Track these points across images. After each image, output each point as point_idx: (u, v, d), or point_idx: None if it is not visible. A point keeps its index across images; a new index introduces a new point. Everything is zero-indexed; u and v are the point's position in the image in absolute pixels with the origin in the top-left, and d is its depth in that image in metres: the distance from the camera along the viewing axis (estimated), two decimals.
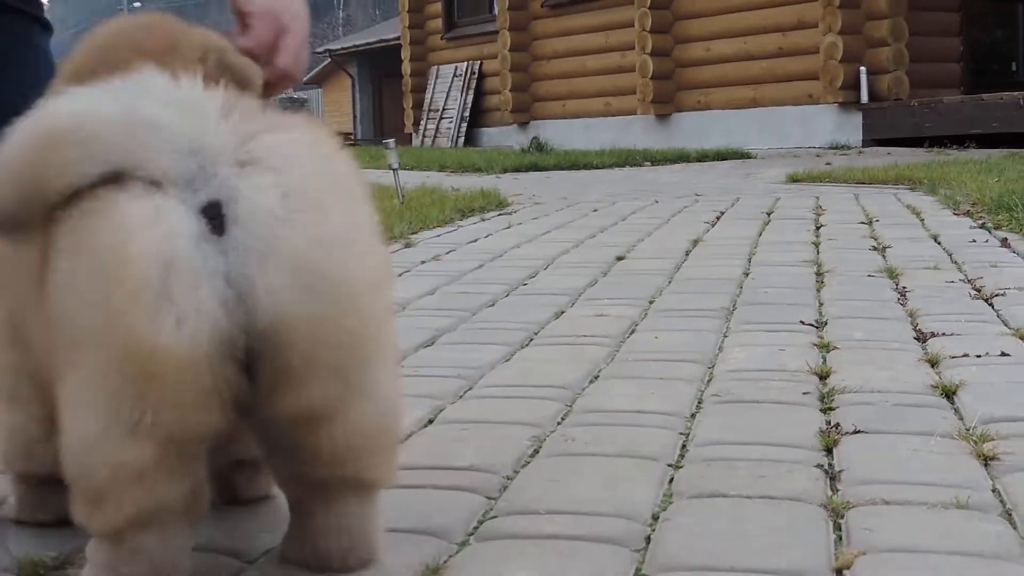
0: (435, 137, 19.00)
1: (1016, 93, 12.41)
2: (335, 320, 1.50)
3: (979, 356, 2.96)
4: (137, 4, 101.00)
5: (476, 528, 1.92)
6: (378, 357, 1.63)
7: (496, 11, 17.80)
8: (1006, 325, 3.46)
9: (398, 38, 21.37)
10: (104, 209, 1.45)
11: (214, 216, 1.44)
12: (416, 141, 19.55)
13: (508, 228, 6.68)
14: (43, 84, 1.94)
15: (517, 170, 12.51)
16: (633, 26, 15.21)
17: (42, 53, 2.40)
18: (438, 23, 19.59)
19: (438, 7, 19.51)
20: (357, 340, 1.56)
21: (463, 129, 18.54)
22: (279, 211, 1.46)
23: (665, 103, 14.99)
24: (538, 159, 13.47)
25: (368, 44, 34.08)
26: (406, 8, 20.01)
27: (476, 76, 18.66)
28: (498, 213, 7.62)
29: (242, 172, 1.48)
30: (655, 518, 1.94)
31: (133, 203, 1.44)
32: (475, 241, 6.08)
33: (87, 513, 1.55)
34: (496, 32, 17.74)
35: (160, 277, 1.40)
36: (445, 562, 1.76)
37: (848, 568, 1.70)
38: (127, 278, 1.40)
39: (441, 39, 19.60)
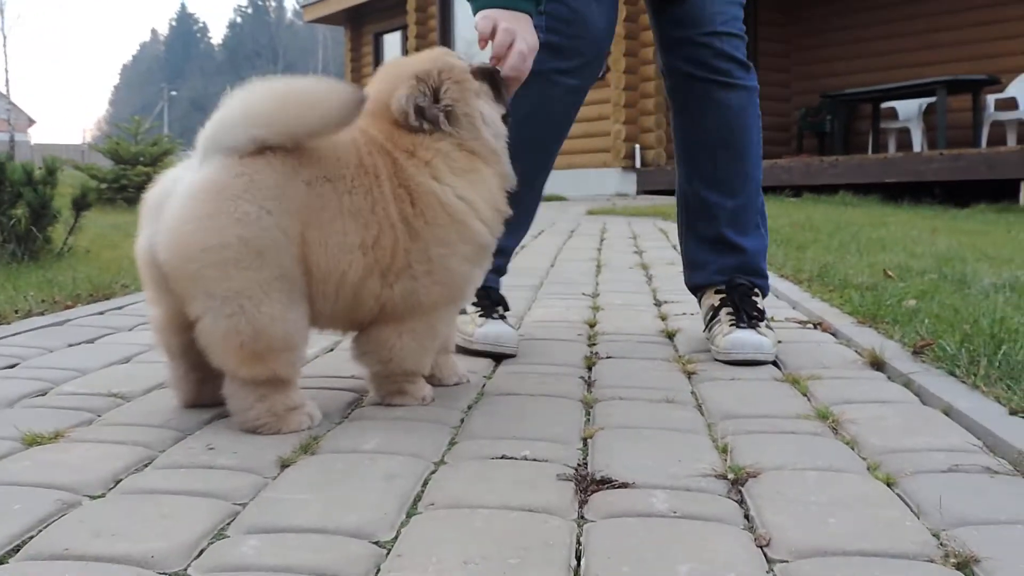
0: None
1: None
2: None
3: (690, 315, 2.94)
4: (174, 93, 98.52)
5: (349, 413, 1.83)
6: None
7: None
8: None
9: None
10: None
11: None
12: None
13: None
14: None
15: None
16: None
17: None
18: None
19: None
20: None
21: None
22: None
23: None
24: None
25: None
26: None
27: None
28: None
29: None
30: (469, 408, 1.87)
31: None
32: None
33: None
34: None
35: None
36: (321, 437, 1.66)
37: (591, 437, 1.65)
38: None
39: None
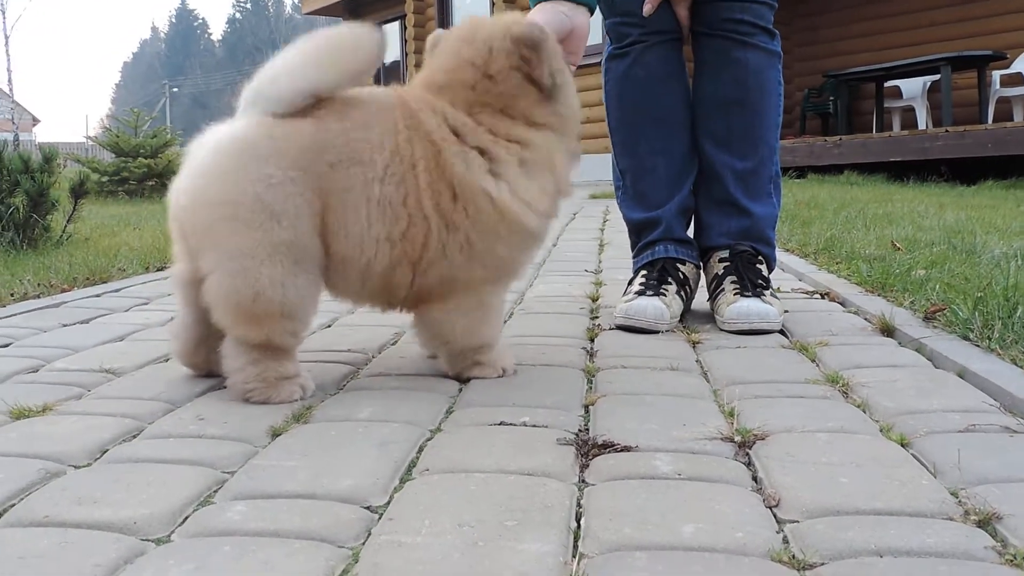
0: None
1: None
2: None
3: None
4: (175, 89, 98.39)
5: (345, 384, 1.78)
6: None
7: None
8: None
9: None
10: None
11: None
12: None
13: None
14: None
15: None
16: None
17: None
18: None
19: None
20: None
21: None
22: None
23: None
24: None
25: None
26: None
27: None
28: None
29: None
30: (467, 379, 1.82)
31: None
32: None
33: None
34: None
35: None
36: (314, 407, 1.61)
37: (592, 404, 1.60)
38: None
39: None
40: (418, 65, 16.61)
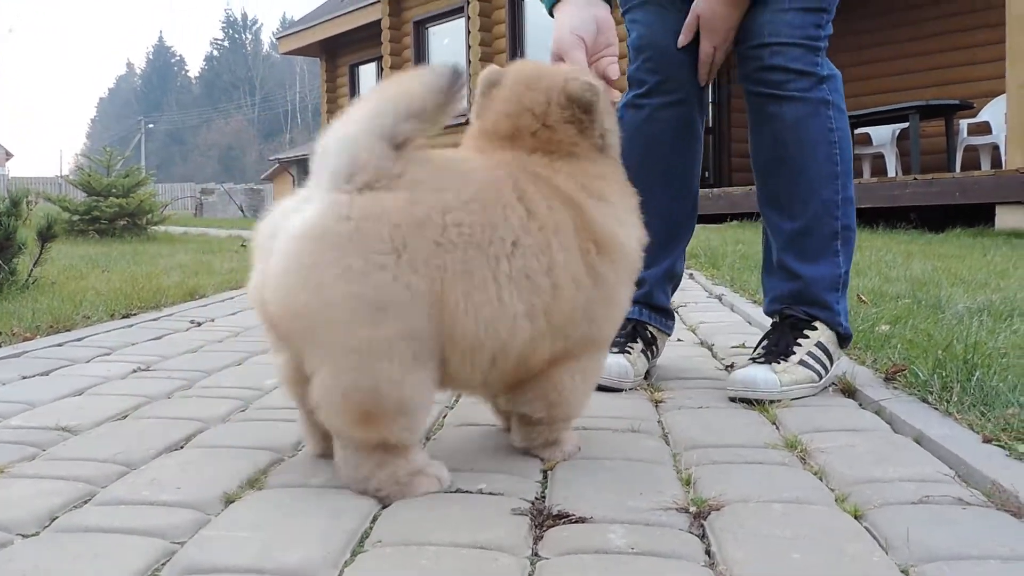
0: None
1: None
2: None
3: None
4: (151, 125, 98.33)
5: (303, 446, 1.76)
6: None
7: None
8: None
9: None
10: None
11: None
12: None
13: None
14: None
15: None
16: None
17: None
18: None
19: None
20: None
21: None
22: None
23: None
24: None
25: (303, 155, 33.72)
26: None
27: None
28: None
29: None
30: (428, 439, 1.82)
31: None
32: None
33: None
34: None
35: None
36: (269, 471, 1.60)
37: (551, 470, 1.60)
38: None
39: None
40: None
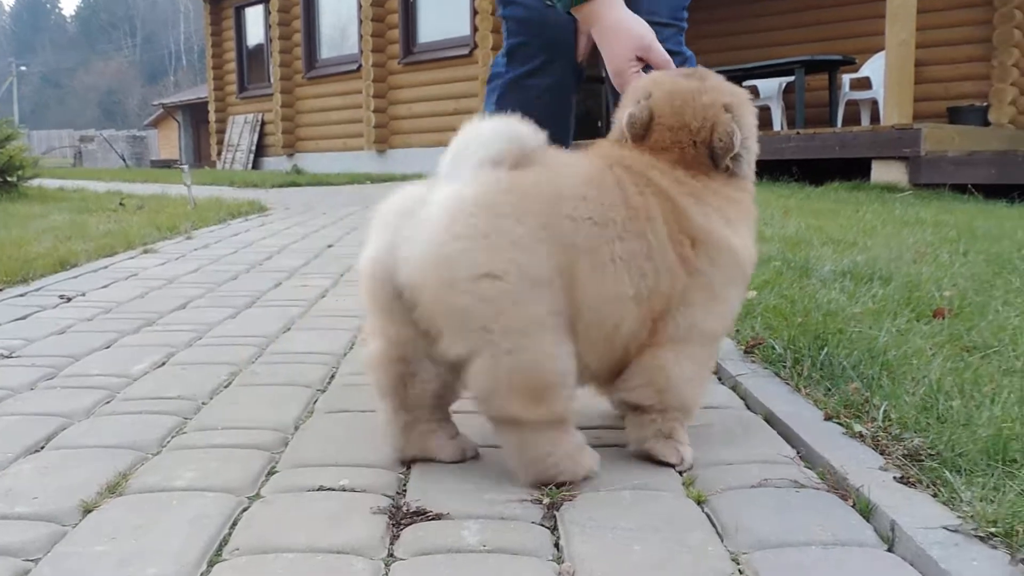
0: (232, 163, 18.17)
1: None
2: None
3: None
4: (23, 68, 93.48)
5: (168, 442, 1.78)
6: None
7: (272, 80, 17.16)
8: None
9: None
10: None
11: None
12: (220, 166, 18.67)
13: (262, 226, 6.40)
14: None
15: (282, 186, 11.94)
16: (361, 93, 14.95)
17: None
18: (234, 87, 18.79)
19: (234, 76, 18.72)
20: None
21: (251, 158, 17.85)
22: None
23: (383, 143, 14.79)
24: (296, 179, 13.00)
25: (189, 100, 32.65)
26: (211, 76, 19.13)
27: (260, 123, 18.00)
28: (258, 216, 7.28)
29: None
30: (296, 428, 1.84)
31: None
32: (236, 235, 5.78)
33: None
34: (272, 94, 17.15)
35: None
36: (130, 474, 1.60)
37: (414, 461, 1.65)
38: None
39: (236, 98, 18.79)
40: (283, 51, 16.41)
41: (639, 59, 1.97)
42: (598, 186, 1.52)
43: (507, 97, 2.39)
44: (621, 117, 1.71)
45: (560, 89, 2.38)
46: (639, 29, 1.97)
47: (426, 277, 1.39)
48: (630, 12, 1.99)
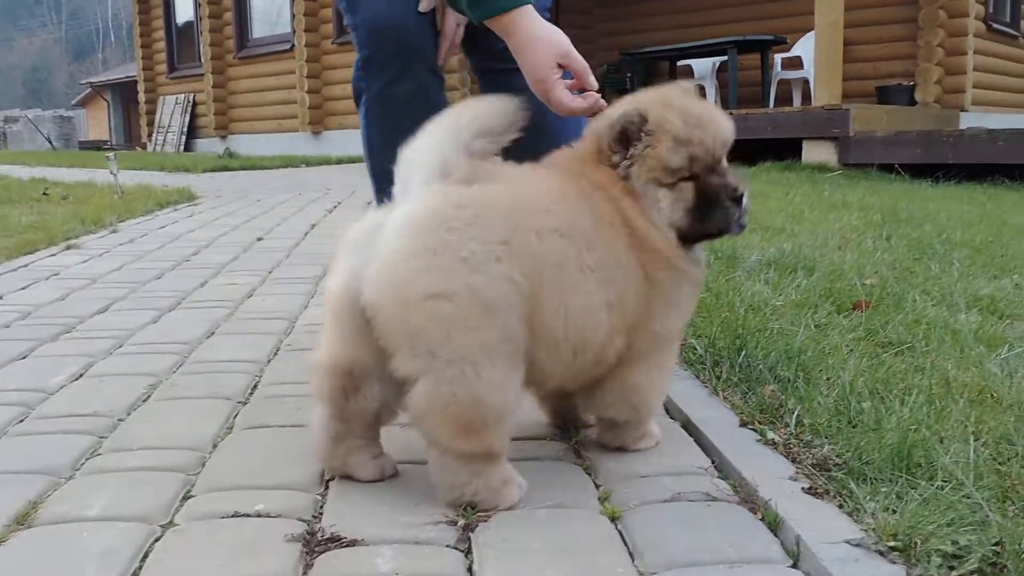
0: (163, 145, 17.79)
1: None
2: None
3: None
4: None
5: (81, 465, 1.75)
6: None
7: (203, 59, 16.83)
8: None
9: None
10: None
11: None
12: (151, 148, 18.27)
13: (191, 216, 6.30)
14: None
15: (214, 171, 11.76)
16: (295, 73, 14.74)
17: None
18: (164, 66, 18.38)
19: (163, 55, 18.31)
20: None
21: (183, 140, 17.50)
22: None
23: (317, 124, 14.62)
24: (228, 162, 12.77)
25: (118, 78, 31.95)
26: (140, 55, 18.68)
27: (191, 103, 17.65)
28: (188, 205, 7.15)
29: None
30: (215, 447, 1.83)
31: None
32: (164, 227, 5.69)
33: None
34: (203, 74, 16.82)
35: None
36: (41, 503, 1.57)
37: (333, 480, 1.64)
38: None
39: (166, 77, 18.38)
40: (213, 29, 16.09)
41: (560, 66, 1.98)
42: (565, 199, 1.53)
43: (375, 112, 2.36)
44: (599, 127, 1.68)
45: (424, 93, 2.33)
46: (557, 37, 1.97)
47: (381, 296, 1.41)
48: (545, 21, 1.99)
